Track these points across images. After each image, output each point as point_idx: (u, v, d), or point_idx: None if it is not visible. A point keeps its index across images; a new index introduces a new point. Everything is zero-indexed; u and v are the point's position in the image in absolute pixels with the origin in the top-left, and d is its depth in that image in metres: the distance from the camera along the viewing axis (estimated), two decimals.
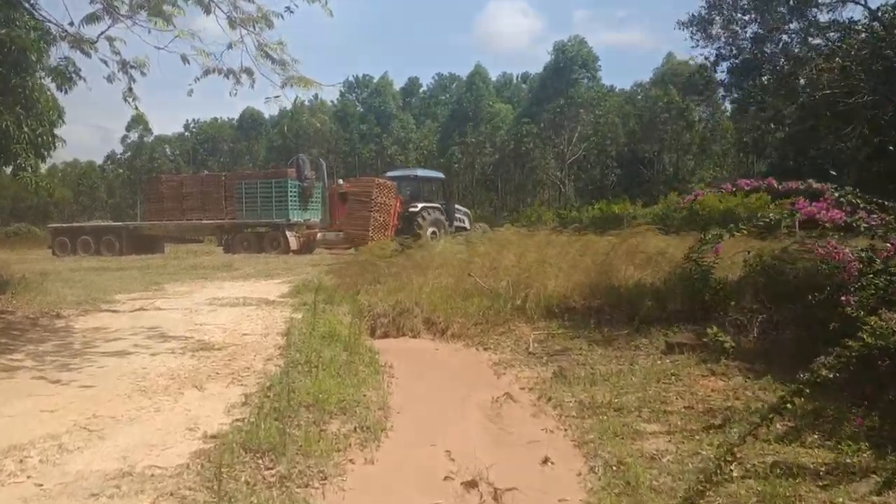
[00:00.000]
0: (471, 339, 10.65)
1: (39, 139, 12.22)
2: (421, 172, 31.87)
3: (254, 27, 8.62)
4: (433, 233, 27.11)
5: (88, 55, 10.14)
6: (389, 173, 30.37)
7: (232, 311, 12.21)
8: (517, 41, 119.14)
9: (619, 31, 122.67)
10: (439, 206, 29.72)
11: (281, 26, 8.90)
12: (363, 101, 72.17)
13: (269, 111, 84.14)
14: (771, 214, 8.11)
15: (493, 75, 71.19)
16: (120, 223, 37.89)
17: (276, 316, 11.65)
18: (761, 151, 58.99)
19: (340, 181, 31.35)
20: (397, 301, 12.43)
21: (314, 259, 25.89)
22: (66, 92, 13.13)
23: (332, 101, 77.51)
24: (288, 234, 29.93)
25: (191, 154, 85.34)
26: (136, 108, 10.43)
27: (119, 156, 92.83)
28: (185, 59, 8.63)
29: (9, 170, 13.11)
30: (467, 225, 30.37)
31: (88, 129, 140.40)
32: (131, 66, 10.05)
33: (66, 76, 13.04)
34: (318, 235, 30.53)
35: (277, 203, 30.43)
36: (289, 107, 8.87)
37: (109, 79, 10.05)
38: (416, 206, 28.07)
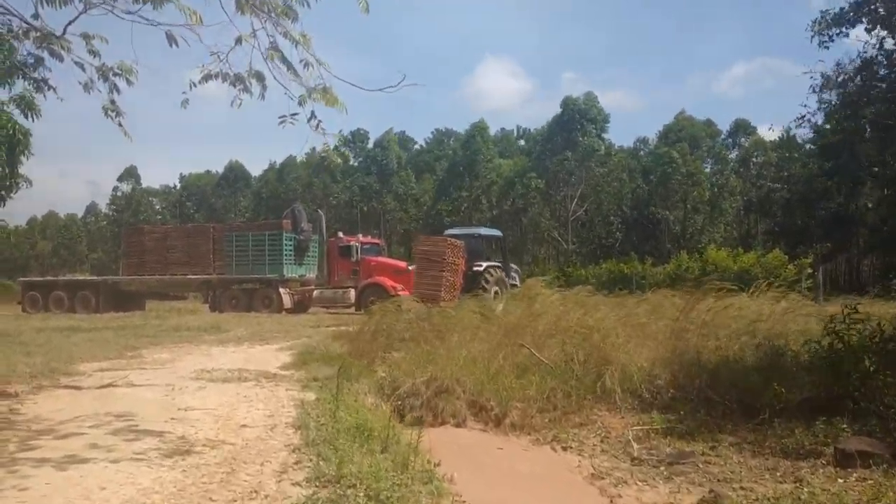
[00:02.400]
0: (539, 433, 8.21)
1: None
2: (483, 231, 29.70)
3: (270, 14, 6.36)
4: (496, 292, 25.21)
5: (60, 58, 7.91)
6: (451, 231, 28.16)
7: (225, 389, 9.69)
8: (507, 101, 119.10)
9: (603, 91, 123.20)
10: (500, 264, 27.73)
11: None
12: (364, 154, 70.49)
13: (257, 168, 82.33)
14: None
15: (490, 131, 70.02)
16: (97, 278, 35.20)
17: (282, 396, 9.16)
18: (766, 210, 57.57)
19: (340, 234, 29.03)
20: (431, 377, 9.99)
21: (311, 319, 23.39)
22: (33, 119, 11.02)
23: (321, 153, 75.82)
24: (281, 290, 27.48)
25: (177, 208, 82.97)
26: (121, 126, 8.09)
27: (104, 209, 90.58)
28: (171, 38, 6.34)
29: None
30: (517, 282, 28.25)
31: (80, 184, 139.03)
32: (114, 73, 7.81)
33: (32, 103, 10.96)
34: (315, 293, 28.06)
35: (271, 257, 27.99)
36: (312, 130, 6.49)
37: (86, 87, 7.78)
38: (481, 266, 26.01)
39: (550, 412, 8.59)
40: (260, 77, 7.13)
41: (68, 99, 8.74)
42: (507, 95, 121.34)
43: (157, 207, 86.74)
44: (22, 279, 34.71)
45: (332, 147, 6.62)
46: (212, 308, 28.30)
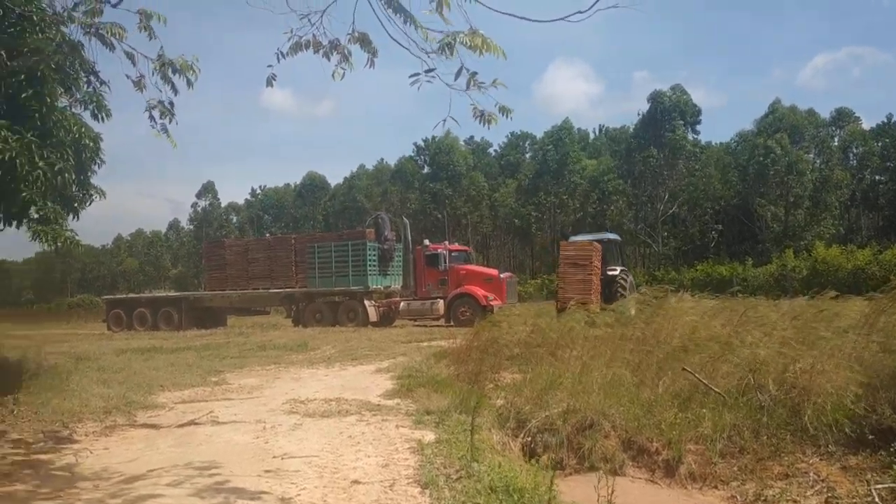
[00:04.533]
0: (730, 487, 6.32)
1: (58, 178, 8.55)
2: (611, 235, 27.78)
3: None
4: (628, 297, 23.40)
5: (111, 46, 6.56)
6: (579, 237, 26.31)
7: (324, 426, 8.13)
8: (578, 103, 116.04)
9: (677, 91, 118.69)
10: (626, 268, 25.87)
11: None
12: (431, 160, 69.26)
13: (336, 178, 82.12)
14: None
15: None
16: (179, 294, 34.68)
17: (393, 437, 7.52)
18: (872, 203, 53.49)
19: (426, 242, 27.48)
20: (568, 408, 8.24)
21: (401, 333, 21.86)
22: (102, 120, 9.77)
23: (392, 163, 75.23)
24: (366, 303, 26.09)
25: (255, 221, 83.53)
26: (167, 135, 6.71)
27: (185, 224, 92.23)
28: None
29: (22, 226, 9.40)
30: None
31: (162, 203, 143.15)
32: (173, 70, 6.40)
33: (101, 102, 9.73)
34: (401, 305, 26.59)
35: (354, 268, 26.64)
36: (463, 88, 4.97)
37: (138, 84, 6.42)
38: (615, 270, 24.17)
39: (738, 457, 6.70)
40: (365, 40, 5.57)
41: (140, 121, 7.45)
42: (577, 97, 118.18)
43: (235, 220, 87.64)
44: (106, 297, 34.47)
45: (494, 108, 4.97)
46: (295, 322, 27.20)
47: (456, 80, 4.85)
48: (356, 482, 5.87)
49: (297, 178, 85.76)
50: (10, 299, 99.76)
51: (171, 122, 6.51)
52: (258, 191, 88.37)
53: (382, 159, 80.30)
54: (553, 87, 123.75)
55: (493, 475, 5.72)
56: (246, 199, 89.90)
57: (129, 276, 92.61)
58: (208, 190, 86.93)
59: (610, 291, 22.47)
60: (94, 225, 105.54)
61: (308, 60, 5.73)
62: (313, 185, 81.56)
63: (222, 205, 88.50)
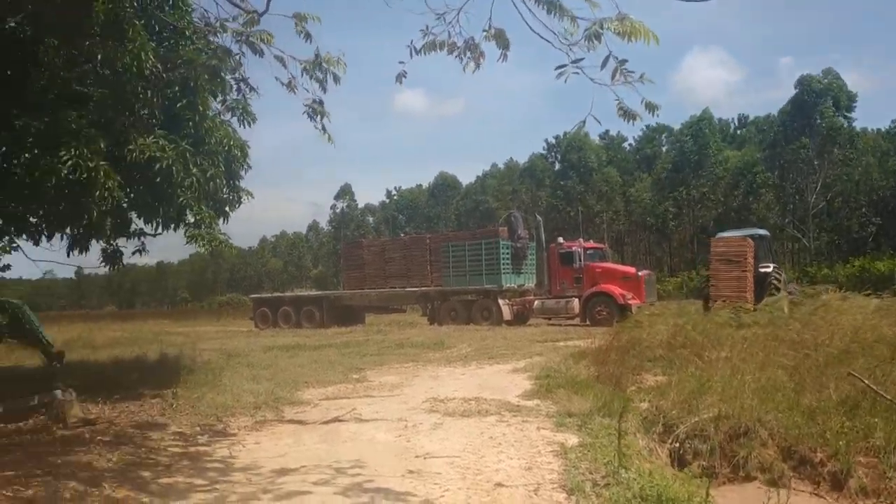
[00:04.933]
0: None
1: (210, 183, 8.97)
2: (761, 231, 26.61)
3: None
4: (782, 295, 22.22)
5: (260, 53, 6.75)
6: (727, 234, 25.35)
7: (465, 426, 8.07)
8: (717, 92, 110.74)
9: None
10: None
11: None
12: (562, 157, 68.27)
13: (467, 178, 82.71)
14: None
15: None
16: (320, 293, 36.02)
17: (535, 439, 7.35)
18: None
19: (560, 239, 27.05)
20: (720, 414, 7.75)
21: (536, 333, 21.59)
22: (248, 125, 10.20)
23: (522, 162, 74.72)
24: (500, 302, 25.99)
25: (390, 221, 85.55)
26: (324, 131, 6.81)
27: (324, 226, 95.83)
28: None
29: (179, 230, 9.92)
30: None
31: (304, 205, 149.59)
32: (319, 67, 6.51)
33: (246, 108, 10.15)
34: (535, 304, 26.30)
35: (488, 267, 26.62)
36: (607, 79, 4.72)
37: (290, 86, 6.56)
38: (768, 267, 23.15)
39: None
40: (500, 36, 5.43)
41: (285, 128, 7.66)
42: (716, 86, 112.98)
43: (371, 221, 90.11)
44: (253, 296, 36.31)
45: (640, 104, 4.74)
46: (430, 321, 27.50)
47: (602, 68, 4.60)
48: (499, 485, 5.76)
49: (430, 179, 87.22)
50: (167, 298, 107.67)
51: (322, 119, 6.62)
52: (393, 192, 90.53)
53: (512, 157, 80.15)
54: (690, 77, 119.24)
55: (642, 482, 5.45)
56: (381, 201, 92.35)
57: (273, 276, 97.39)
58: (346, 192, 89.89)
59: (762, 289, 21.16)
60: (241, 228, 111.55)
61: (439, 60, 5.76)
62: (445, 185, 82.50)
63: (359, 206, 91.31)
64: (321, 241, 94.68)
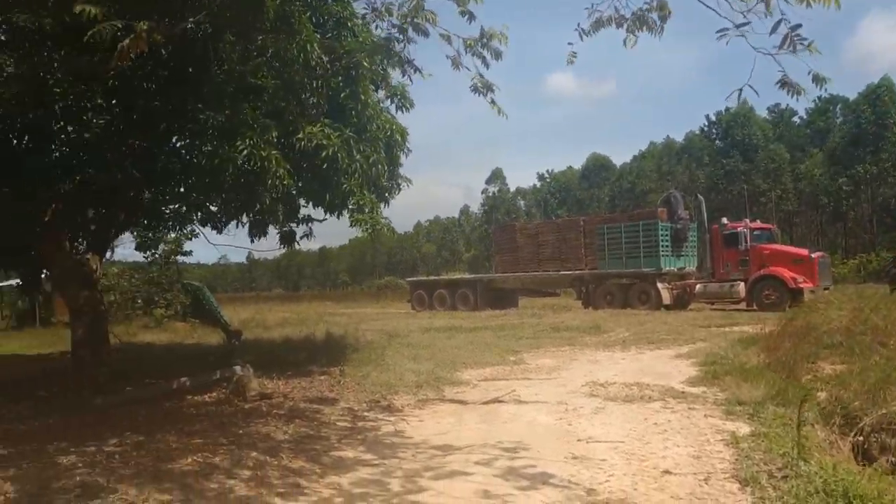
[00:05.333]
0: None
1: (373, 169, 9.24)
2: None
3: None
4: None
5: (425, 33, 6.83)
6: None
7: (627, 412, 7.87)
8: (892, 57, 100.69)
9: None
10: None
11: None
12: (724, 134, 64.78)
13: (620, 159, 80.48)
14: None
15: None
16: (474, 276, 36.43)
17: (703, 427, 7.03)
18: None
19: (724, 220, 25.76)
20: None
21: (698, 318, 20.71)
22: (406, 111, 10.44)
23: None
24: (659, 285, 25.14)
25: (542, 204, 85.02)
26: (493, 104, 6.76)
27: (475, 210, 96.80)
28: None
29: (343, 215, 10.27)
30: None
31: (453, 189, 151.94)
32: (483, 43, 6.48)
33: (405, 95, 10.38)
34: (697, 287, 25.24)
35: (646, 249, 25.82)
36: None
37: (454, 63, 6.58)
38: None
39: None
40: (662, 7, 5.20)
41: (439, 113, 7.71)
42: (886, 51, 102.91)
43: (521, 204, 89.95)
44: (410, 279, 37.36)
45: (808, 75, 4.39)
46: (585, 304, 27.08)
47: (771, 34, 4.27)
48: (667, 472, 5.55)
49: (581, 161, 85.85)
50: (329, 281, 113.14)
51: (489, 93, 6.60)
52: (546, 175, 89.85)
53: (668, 136, 77.13)
54: (868, 42, 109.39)
55: (825, 476, 5.06)
56: (533, 184, 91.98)
57: (427, 260, 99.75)
58: (497, 176, 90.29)
59: None
60: (399, 213, 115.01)
61: (590, 40, 5.52)
62: (598, 167, 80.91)
63: (510, 190, 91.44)
64: (473, 226, 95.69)
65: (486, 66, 6.31)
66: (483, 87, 6.40)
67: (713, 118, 67.24)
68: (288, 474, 5.60)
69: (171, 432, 7.06)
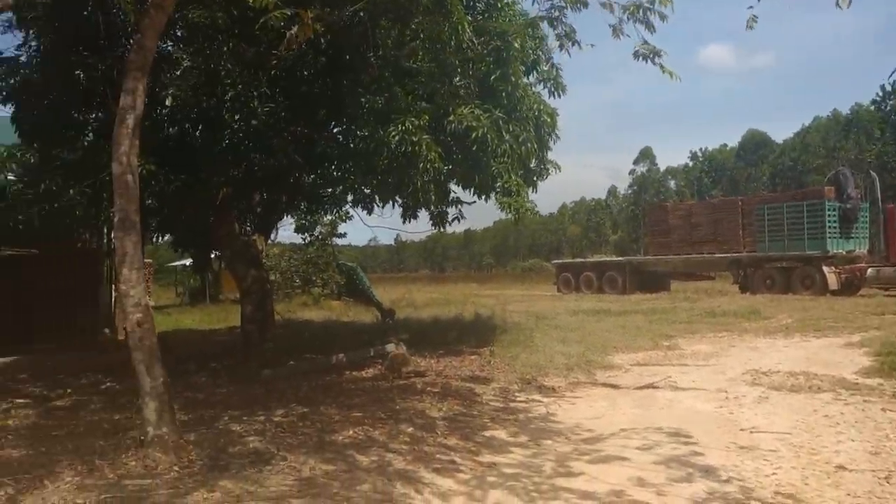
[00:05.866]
0: None
1: (522, 149, 9.18)
2: None
3: None
4: None
5: (584, 4, 6.69)
6: None
7: (793, 402, 7.42)
8: None
9: None
10: None
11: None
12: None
13: (780, 135, 75.70)
14: None
15: None
16: (623, 259, 35.57)
17: (880, 420, 6.54)
18: None
19: None
20: None
21: (869, 304, 19.17)
22: (558, 96, 10.30)
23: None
24: (825, 269, 23.47)
25: (695, 184, 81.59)
26: (663, 69, 6.50)
27: (622, 191, 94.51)
28: None
29: (491, 198, 10.28)
30: None
31: (601, 171, 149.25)
32: (646, 7, 6.25)
33: (557, 79, 10.23)
34: (868, 272, 23.36)
35: (810, 231, 24.16)
36: None
37: (615, 31, 6.40)
38: None
39: None
40: None
41: (583, 94, 7.50)
42: None
43: (672, 184, 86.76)
44: (555, 261, 37.05)
45: None
46: (742, 289, 25.73)
47: None
48: (841, 468, 5.19)
49: (736, 138, 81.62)
50: (473, 263, 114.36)
51: (656, 59, 6.37)
52: (698, 153, 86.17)
53: (835, 109, 71.62)
54: None
55: None
56: (684, 163, 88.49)
57: (572, 242, 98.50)
58: (646, 155, 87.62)
59: None
60: (543, 195, 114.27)
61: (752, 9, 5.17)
62: (755, 143, 76.56)
63: (660, 170, 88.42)
64: (620, 207, 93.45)
65: (652, 30, 6.07)
66: (649, 53, 6.17)
67: (889, 87, 61.83)
68: (443, 451, 5.71)
69: (332, 405, 7.41)
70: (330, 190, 11.90)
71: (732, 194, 52.97)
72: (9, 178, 8.28)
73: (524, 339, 11.88)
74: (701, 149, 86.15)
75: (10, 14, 8.63)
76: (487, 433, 6.36)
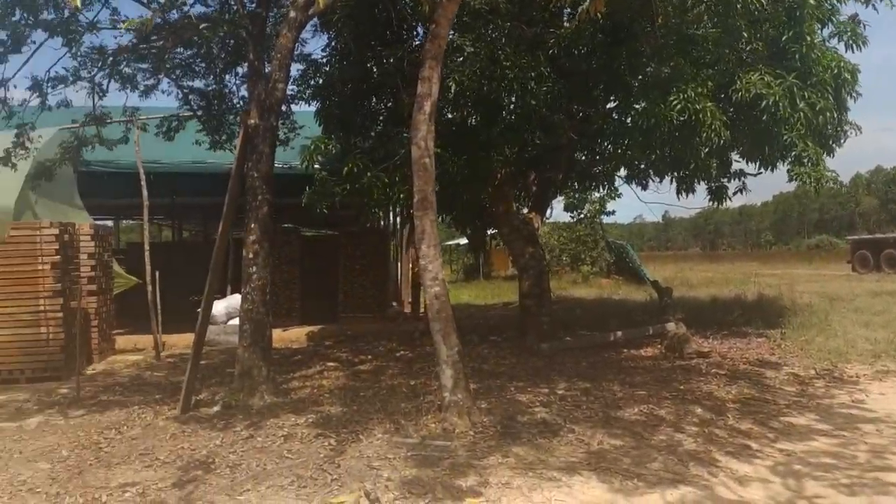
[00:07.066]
0: None
1: (819, 118, 8.35)
2: None
3: None
4: None
5: None
6: None
7: None
8: None
9: None
10: None
11: None
12: None
13: None
14: None
15: None
16: None
17: None
18: None
19: None
20: None
21: None
22: (857, 50, 9.18)
23: None
24: None
25: None
26: None
27: None
28: None
29: (777, 168, 9.51)
30: None
31: None
32: None
33: (855, 30, 9.10)
34: None
35: None
36: None
37: None
38: None
39: None
40: None
41: (884, 46, 6.60)
42: None
43: None
44: (851, 238, 33.29)
45: None
46: None
47: None
48: None
49: None
50: (750, 240, 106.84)
51: None
52: None
53: None
54: None
55: None
56: None
57: (866, 216, 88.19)
58: None
59: None
60: (834, 163, 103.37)
61: None
62: None
63: None
64: None
65: None
66: None
67: None
68: (735, 435, 5.47)
69: (615, 382, 7.42)
70: (602, 167, 11.81)
71: None
72: (315, 167, 9.30)
73: (818, 322, 10.92)
74: None
75: (316, 20, 9.64)
76: (784, 419, 5.95)
